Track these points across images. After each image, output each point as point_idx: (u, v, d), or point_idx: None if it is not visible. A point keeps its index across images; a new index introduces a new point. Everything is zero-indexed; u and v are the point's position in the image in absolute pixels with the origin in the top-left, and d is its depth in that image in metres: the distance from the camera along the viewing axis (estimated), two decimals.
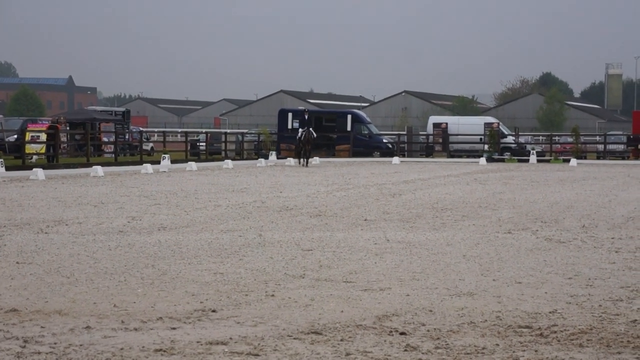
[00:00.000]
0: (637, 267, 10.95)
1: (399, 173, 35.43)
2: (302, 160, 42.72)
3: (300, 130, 43.27)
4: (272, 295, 8.96)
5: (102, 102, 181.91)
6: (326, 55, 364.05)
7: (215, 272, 10.33)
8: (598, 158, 55.56)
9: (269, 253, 11.93)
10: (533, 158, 50.08)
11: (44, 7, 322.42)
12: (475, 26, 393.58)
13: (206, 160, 49.78)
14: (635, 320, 7.95)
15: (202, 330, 7.44)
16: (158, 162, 39.12)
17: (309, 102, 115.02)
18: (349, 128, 55.61)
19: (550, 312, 8.23)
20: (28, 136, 43.57)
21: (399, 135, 63.87)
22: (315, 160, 45.68)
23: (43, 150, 43.25)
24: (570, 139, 57.52)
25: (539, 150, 56.97)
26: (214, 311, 8.19)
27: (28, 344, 6.94)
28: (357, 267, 10.78)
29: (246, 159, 52.82)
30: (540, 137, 69.51)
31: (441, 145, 57.37)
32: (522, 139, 60.31)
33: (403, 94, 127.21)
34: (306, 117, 44.25)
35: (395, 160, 48.22)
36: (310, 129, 42.60)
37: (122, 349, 6.81)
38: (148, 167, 34.80)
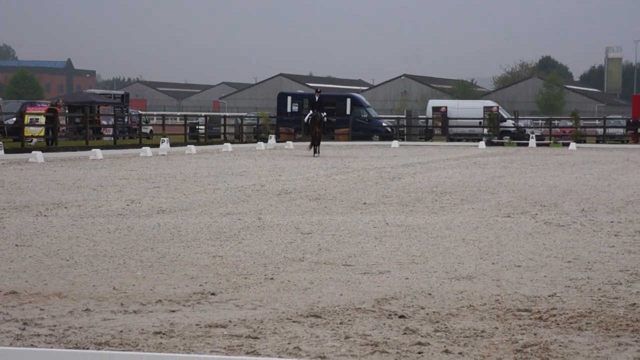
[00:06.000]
0: (636, 251, 10.95)
1: (398, 157, 35.41)
2: (315, 148, 36.19)
3: (310, 112, 37.23)
4: (272, 279, 8.96)
5: (101, 85, 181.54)
6: (326, 39, 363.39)
7: (214, 255, 10.33)
8: (597, 142, 55.51)
9: (268, 236, 11.93)
10: (532, 142, 50.04)
11: None
12: (475, 9, 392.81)
13: (205, 143, 49.71)
14: (634, 303, 7.95)
15: (202, 313, 7.44)
16: (157, 146, 39.07)
17: (308, 86, 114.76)
18: (348, 112, 55.52)
19: (549, 296, 8.24)
20: (27, 119, 43.48)
21: (398, 119, 63.83)
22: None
23: (42, 133, 43.20)
24: (569, 123, 57.48)
25: (539, 134, 56.90)
26: (213, 294, 8.19)
27: (27, 326, 6.94)
28: (357, 251, 10.78)
29: (245, 142, 52.77)
30: (540, 121, 69.47)
31: (440, 129, 57.33)
32: (521, 123, 60.22)
33: (402, 77, 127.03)
34: (317, 98, 37.17)
35: (395, 144, 48.18)
36: (321, 113, 36.68)
37: (121, 331, 6.82)
38: (147, 151, 34.79)
